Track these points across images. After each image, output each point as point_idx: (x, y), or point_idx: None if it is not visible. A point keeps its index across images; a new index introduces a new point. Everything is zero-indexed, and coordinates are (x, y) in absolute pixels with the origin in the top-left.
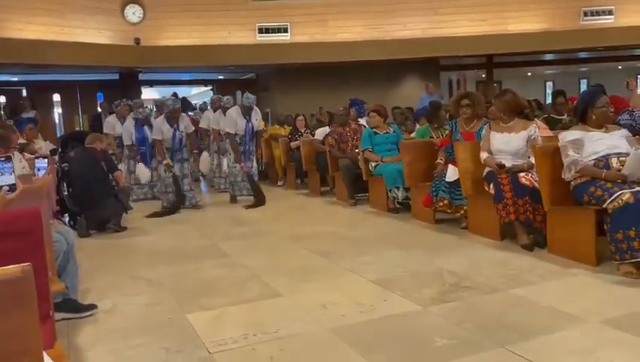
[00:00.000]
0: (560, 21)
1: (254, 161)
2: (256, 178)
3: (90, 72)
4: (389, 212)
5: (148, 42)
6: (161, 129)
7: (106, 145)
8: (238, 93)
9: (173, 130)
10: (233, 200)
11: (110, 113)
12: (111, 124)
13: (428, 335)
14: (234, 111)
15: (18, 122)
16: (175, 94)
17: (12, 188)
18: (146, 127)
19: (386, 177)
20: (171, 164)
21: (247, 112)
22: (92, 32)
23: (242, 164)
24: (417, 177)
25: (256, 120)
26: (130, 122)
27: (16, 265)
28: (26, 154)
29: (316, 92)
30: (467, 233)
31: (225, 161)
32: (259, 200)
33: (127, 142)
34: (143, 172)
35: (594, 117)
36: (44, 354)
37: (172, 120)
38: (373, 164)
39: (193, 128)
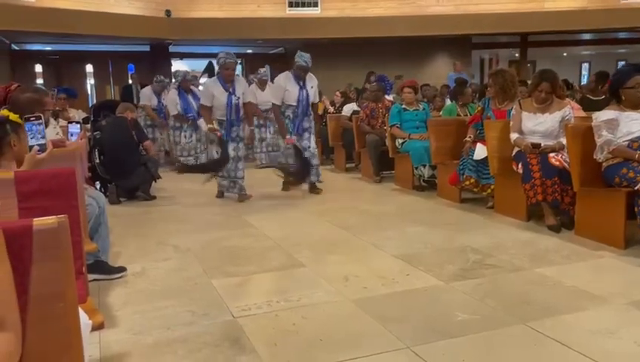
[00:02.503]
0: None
1: (312, 139)
2: (315, 161)
3: (121, 43)
4: (414, 189)
5: (178, 14)
6: (211, 92)
7: (139, 115)
8: (267, 68)
9: (227, 95)
10: (312, 188)
11: (142, 85)
12: (147, 95)
13: (449, 310)
14: (282, 78)
15: (58, 90)
16: (210, 63)
17: (42, 148)
18: (190, 96)
19: (413, 154)
20: (216, 127)
21: (300, 76)
22: (124, 3)
23: (287, 137)
24: (444, 155)
25: (312, 87)
26: (173, 92)
27: (52, 216)
28: (60, 120)
29: (345, 68)
30: (493, 213)
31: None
32: (296, 178)
33: (173, 111)
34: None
35: (623, 97)
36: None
37: (225, 80)
38: (400, 141)
39: (250, 98)
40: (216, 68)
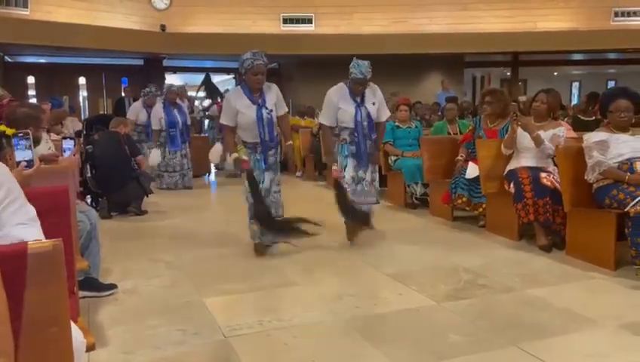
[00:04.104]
0: (589, 20)
1: (369, 171)
2: (372, 200)
3: (115, 57)
4: (406, 207)
5: (173, 29)
6: (233, 107)
7: (130, 129)
8: None
9: (256, 109)
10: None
11: (134, 99)
12: (136, 109)
13: (441, 331)
14: (334, 92)
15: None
16: (208, 75)
17: (30, 163)
18: (175, 110)
19: (405, 172)
20: (244, 156)
21: (357, 91)
22: (119, 17)
23: (333, 167)
24: (437, 173)
25: (374, 104)
26: (159, 105)
27: (47, 240)
28: (52, 135)
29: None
30: (485, 231)
31: None
32: (355, 222)
33: (156, 126)
34: (154, 155)
35: (609, 120)
36: (72, 324)
37: (253, 89)
38: (393, 158)
39: (286, 109)
40: (242, 70)
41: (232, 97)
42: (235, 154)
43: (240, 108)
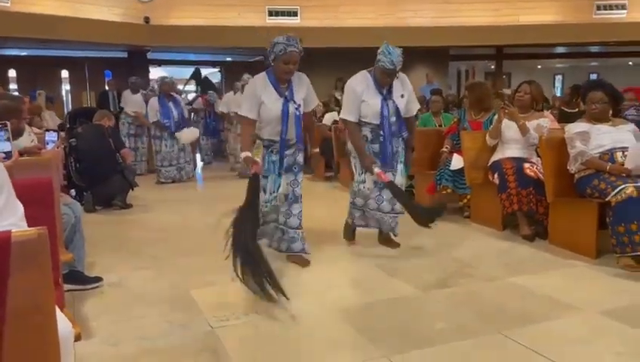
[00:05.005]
0: (572, 14)
1: (399, 171)
2: (398, 209)
3: (98, 49)
4: None
5: (157, 21)
6: (258, 95)
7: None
8: (246, 76)
9: (283, 102)
10: (385, 241)
11: (118, 92)
12: (138, 102)
13: (427, 319)
14: (358, 81)
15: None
16: (197, 70)
17: (8, 155)
18: (170, 103)
19: None
20: (256, 158)
21: (385, 82)
22: (102, 9)
23: (376, 170)
24: (422, 165)
25: (402, 96)
26: (154, 98)
27: (32, 228)
28: (34, 128)
29: (324, 77)
30: (469, 222)
31: None
32: (422, 219)
33: (152, 118)
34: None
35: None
36: (60, 314)
37: (280, 79)
38: None
39: (315, 105)
40: (272, 56)
41: (257, 85)
42: (247, 153)
43: (264, 99)
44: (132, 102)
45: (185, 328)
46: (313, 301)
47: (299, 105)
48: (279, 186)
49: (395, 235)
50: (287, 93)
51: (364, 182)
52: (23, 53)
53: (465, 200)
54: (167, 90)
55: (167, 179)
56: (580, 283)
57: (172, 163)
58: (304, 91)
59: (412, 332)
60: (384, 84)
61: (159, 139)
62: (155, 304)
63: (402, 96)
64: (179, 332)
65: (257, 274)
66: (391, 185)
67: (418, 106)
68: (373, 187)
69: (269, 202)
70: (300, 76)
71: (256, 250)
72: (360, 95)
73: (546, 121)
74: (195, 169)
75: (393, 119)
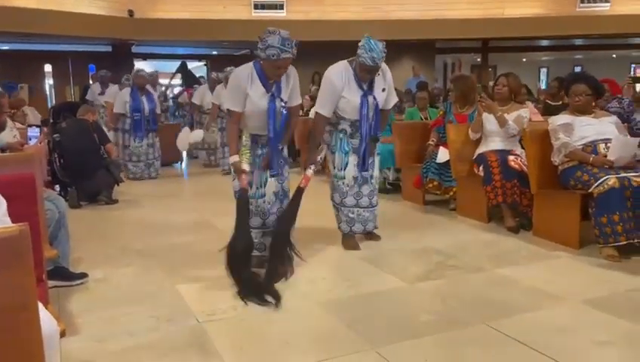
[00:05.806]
0: (556, 7)
1: (375, 165)
2: (375, 201)
3: (82, 43)
4: (379, 192)
5: (142, 14)
6: (244, 88)
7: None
8: (229, 69)
9: (269, 98)
10: (366, 234)
11: (102, 84)
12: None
13: (413, 311)
14: (337, 74)
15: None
16: (184, 63)
17: None
18: (144, 97)
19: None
20: (244, 166)
21: (365, 78)
22: (86, 2)
23: (309, 172)
24: (408, 158)
25: (383, 90)
26: (126, 90)
27: (14, 225)
28: (17, 123)
29: (310, 71)
30: (455, 214)
31: None
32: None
33: (118, 110)
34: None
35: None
36: (45, 311)
37: (269, 76)
38: None
39: (299, 101)
40: (261, 52)
41: (242, 76)
42: (235, 157)
43: (251, 93)
44: (108, 94)
45: (171, 323)
46: (300, 295)
47: (285, 103)
48: (266, 181)
49: (376, 227)
50: (274, 90)
51: (343, 178)
52: (5, 47)
53: (451, 193)
54: (141, 84)
55: (134, 175)
56: (564, 274)
57: (140, 158)
58: (290, 87)
59: (399, 324)
60: (364, 80)
61: (127, 133)
62: (141, 299)
63: (383, 90)
64: (165, 327)
65: (256, 294)
66: (289, 208)
67: (396, 100)
68: (353, 183)
69: (255, 199)
70: (289, 70)
71: (251, 277)
72: (339, 90)
73: (526, 112)
74: (180, 163)
75: (371, 114)
